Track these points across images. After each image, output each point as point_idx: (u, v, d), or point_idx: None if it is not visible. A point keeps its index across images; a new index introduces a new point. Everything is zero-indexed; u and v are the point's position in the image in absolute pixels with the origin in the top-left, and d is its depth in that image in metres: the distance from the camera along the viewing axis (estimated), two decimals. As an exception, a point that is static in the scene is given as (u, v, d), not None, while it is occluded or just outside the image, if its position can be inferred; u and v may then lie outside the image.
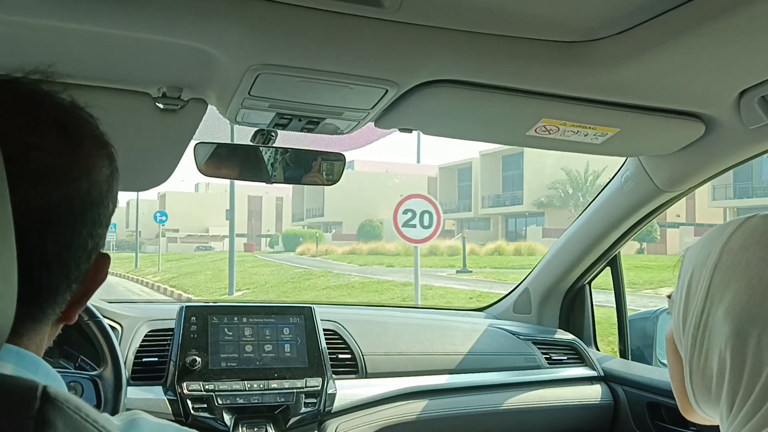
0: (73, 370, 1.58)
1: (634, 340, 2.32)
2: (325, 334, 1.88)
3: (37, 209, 0.53)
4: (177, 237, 51.23)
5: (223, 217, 53.36)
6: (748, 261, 0.70)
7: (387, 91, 1.19)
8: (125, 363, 1.64)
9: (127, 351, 1.69)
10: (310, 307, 1.91)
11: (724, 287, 0.71)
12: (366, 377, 1.89)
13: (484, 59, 1.14)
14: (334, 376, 1.82)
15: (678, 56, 1.10)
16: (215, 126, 1.55)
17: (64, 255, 0.56)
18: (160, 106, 1.29)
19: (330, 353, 1.86)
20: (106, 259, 0.63)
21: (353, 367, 1.89)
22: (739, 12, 0.94)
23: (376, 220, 38.65)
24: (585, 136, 1.45)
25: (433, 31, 1.07)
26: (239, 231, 51.29)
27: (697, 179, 1.69)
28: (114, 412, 1.53)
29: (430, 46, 1.09)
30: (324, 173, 1.63)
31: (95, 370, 1.59)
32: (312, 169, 1.62)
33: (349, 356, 1.90)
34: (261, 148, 1.54)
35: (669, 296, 0.83)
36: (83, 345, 1.63)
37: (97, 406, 1.54)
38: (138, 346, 1.73)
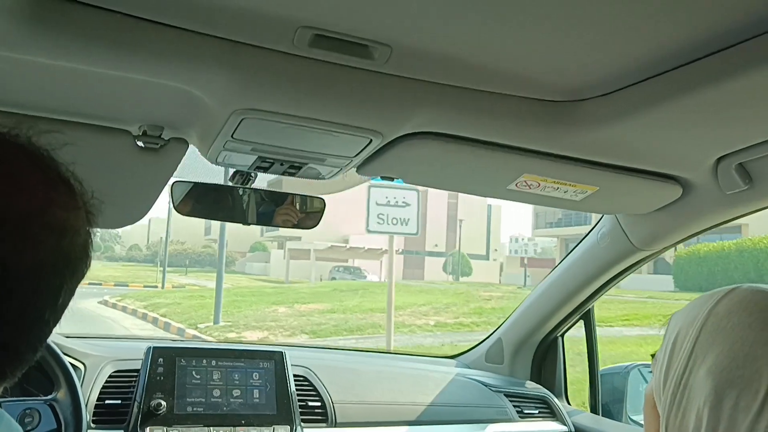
0: (27, 398, 1.52)
1: (605, 394, 2.31)
2: (295, 380, 1.84)
3: (55, 261, 0.56)
4: (310, 249, 31.65)
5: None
6: (734, 325, 0.73)
7: (371, 140, 1.19)
8: (86, 405, 1.58)
9: (89, 392, 1.63)
10: (281, 352, 1.87)
11: (708, 348, 0.73)
12: (335, 426, 1.84)
13: (469, 114, 1.15)
14: (303, 424, 1.77)
15: (659, 121, 1.12)
16: (195, 161, 1.54)
17: (66, 302, 0.59)
18: (141, 144, 1.28)
19: (299, 400, 1.82)
20: None
21: (323, 416, 1.85)
22: (719, 86, 0.97)
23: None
24: (565, 192, 1.46)
25: (420, 85, 1.07)
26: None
27: (673, 239, 1.71)
28: None
29: (416, 99, 1.09)
30: (303, 216, 1.62)
31: (50, 394, 1.54)
32: (291, 211, 1.61)
33: (319, 404, 1.86)
34: (239, 188, 1.53)
35: (653, 355, 0.85)
36: (34, 375, 1.57)
37: (58, 430, 1.50)
38: (101, 387, 1.67)
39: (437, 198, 38.75)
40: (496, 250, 44.27)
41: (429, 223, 38.16)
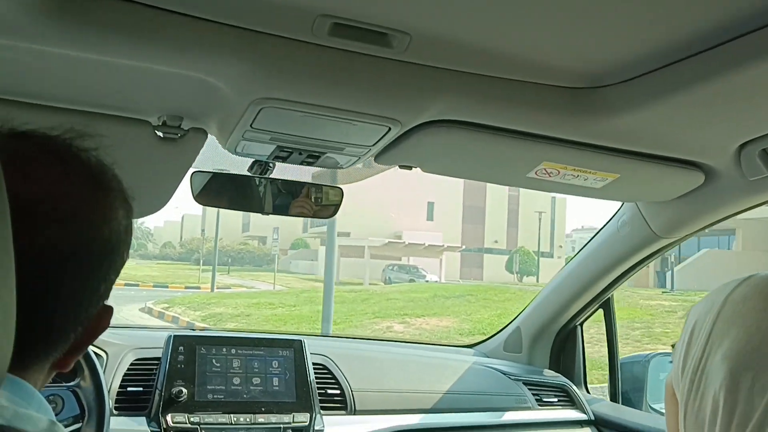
0: (51, 384, 1.54)
1: (625, 383, 2.30)
2: (314, 369, 1.85)
3: (60, 249, 0.56)
4: (364, 246, 27.83)
5: (424, 216, 33.66)
6: (749, 310, 0.73)
7: (390, 129, 1.19)
8: (109, 392, 1.61)
9: (111, 380, 1.65)
10: (301, 341, 1.88)
11: (724, 333, 0.74)
12: (354, 414, 1.85)
13: (489, 102, 1.14)
14: (322, 411, 1.78)
15: (681, 107, 1.10)
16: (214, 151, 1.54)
17: (78, 296, 0.59)
18: (160, 134, 1.28)
19: (319, 388, 1.83)
20: (109, 310, 0.65)
21: (342, 403, 1.86)
22: (743, 70, 0.95)
23: None
24: (585, 180, 1.44)
25: (439, 72, 1.07)
26: (450, 242, 31.13)
27: (695, 227, 1.69)
28: (100, 419, 1.52)
29: (435, 87, 1.09)
30: (321, 206, 1.62)
31: (73, 381, 1.56)
32: (309, 200, 1.61)
33: (338, 392, 1.87)
34: (257, 178, 1.53)
35: (673, 345, 0.85)
36: None
37: (81, 417, 1.52)
38: (123, 375, 1.69)
39: (497, 190, 34.94)
40: (560, 246, 39.94)
41: (488, 217, 35.09)
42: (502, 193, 35.84)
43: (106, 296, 0.63)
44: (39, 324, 0.56)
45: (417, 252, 30.14)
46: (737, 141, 1.28)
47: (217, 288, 22.46)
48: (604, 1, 0.85)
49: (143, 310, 15.66)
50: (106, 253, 0.61)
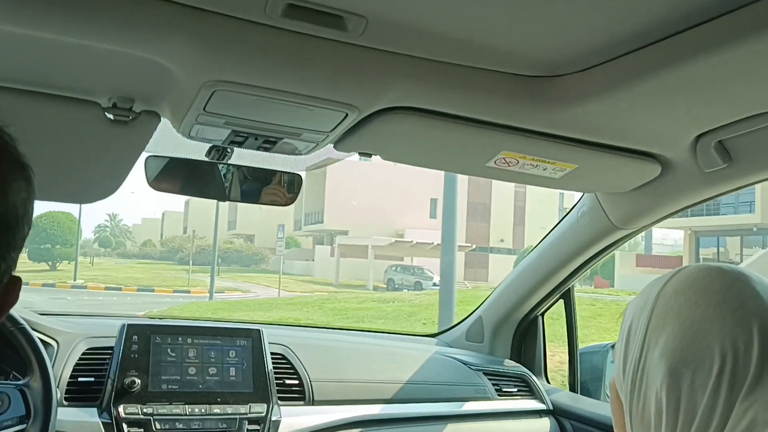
0: None
1: (584, 373, 2.33)
2: (272, 358, 1.83)
3: None
4: (367, 246, 26.29)
5: (427, 213, 31.10)
6: (681, 305, 0.73)
7: (347, 115, 1.17)
8: (58, 383, 1.56)
9: (62, 370, 1.61)
10: (259, 330, 1.85)
11: (660, 330, 0.73)
12: (313, 404, 1.84)
13: (446, 89, 1.13)
14: (279, 402, 1.77)
15: (638, 98, 1.11)
16: (171, 136, 1.51)
17: None
18: (110, 116, 1.24)
19: (277, 378, 1.81)
20: (17, 282, 0.60)
21: (300, 394, 1.84)
22: (699, 60, 0.95)
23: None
24: (544, 170, 1.44)
25: (396, 58, 1.05)
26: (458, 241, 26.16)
27: (652, 218, 1.70)
28: (45, 423, 1.46)
29: (392, 73, 1.07)
30: (281, 192, 1.59)
31: (23, 376, 1.50)
32: (268, 187, 1.58)
33: (296, 382, 1.85)
34: (218, 164, 1.50)
35: (613, 346, 0.84)
36: (9, 355, 1.53)
37: (26, 417, 1.46)
38: (74, 364, 1.65)
39: (503, 185, 31.17)
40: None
41: (493, 214, 32.94)
42: (509, 189, 33.48)
43: (9, 274, 0.59)
44: None
45: (424, 252, 27.92)
46: (693, 132, 1.29)
47: (208, 291, 20.25)
48: None
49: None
50: (2, 230, 0.56)
